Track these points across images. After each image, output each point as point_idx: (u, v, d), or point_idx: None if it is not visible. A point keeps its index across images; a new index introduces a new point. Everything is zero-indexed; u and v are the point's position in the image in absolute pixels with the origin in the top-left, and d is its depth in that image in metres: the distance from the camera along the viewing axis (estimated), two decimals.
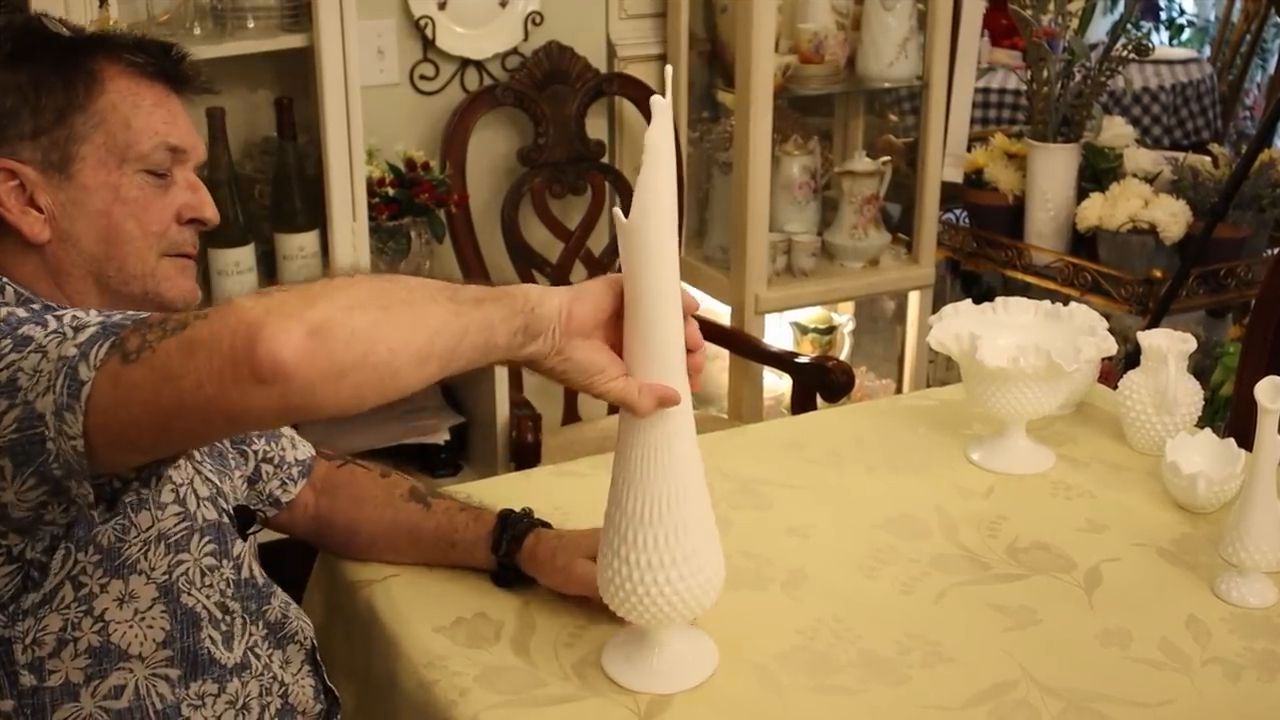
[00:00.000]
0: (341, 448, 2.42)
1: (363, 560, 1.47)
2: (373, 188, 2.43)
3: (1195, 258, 2.72)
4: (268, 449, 1.46)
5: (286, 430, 1.49)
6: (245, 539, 1.33)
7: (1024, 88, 3.11)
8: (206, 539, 1.26)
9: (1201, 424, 1.68)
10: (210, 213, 1.28)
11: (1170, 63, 4.26)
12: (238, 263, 2.34)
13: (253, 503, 1.43)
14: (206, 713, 1.23)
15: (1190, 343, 1.65)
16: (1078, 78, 2.93)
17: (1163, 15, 5.44)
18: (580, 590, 1.33)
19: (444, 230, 2.56)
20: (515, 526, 1.40)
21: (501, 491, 1.56)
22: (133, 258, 1.22)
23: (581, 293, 1.10)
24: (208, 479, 1.30)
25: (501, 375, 2.43)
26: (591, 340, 1.11)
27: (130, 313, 1.02)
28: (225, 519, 1.30)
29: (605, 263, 2.76)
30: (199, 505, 1.27)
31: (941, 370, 3.15)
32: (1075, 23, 3.00)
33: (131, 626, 1.18)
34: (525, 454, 2.32)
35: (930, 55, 2.86)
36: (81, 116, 1.19)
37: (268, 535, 1.43)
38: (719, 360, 3.04)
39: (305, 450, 1.50)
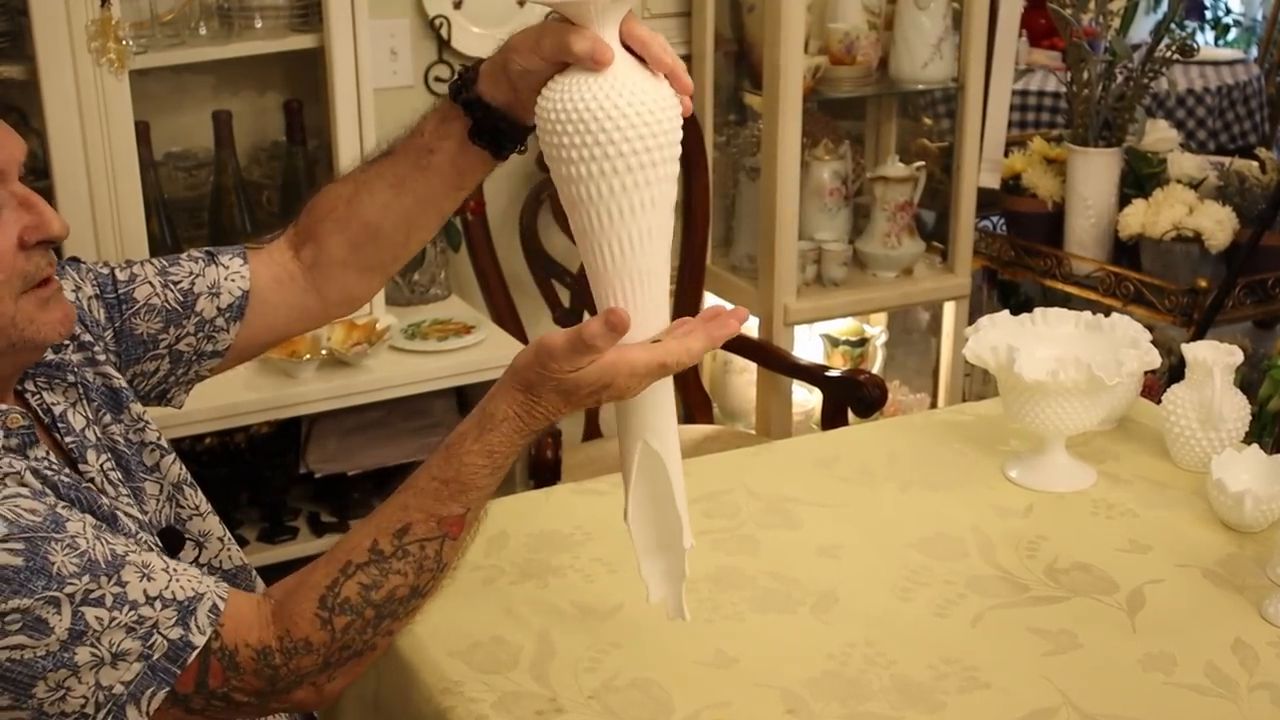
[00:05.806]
0: (357, 465, 2.42)
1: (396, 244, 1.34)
2: None
3: (1242, 267, 2.71)
4: (179, 331, 1.31)
5: (204, 284, 1.32)
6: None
7: (1063, 90, 3.08)
8: None
9: (1248, 440, 1.65)
10: (57, 228, 1.10)
11: (1216, 64, 4.24)
12: None
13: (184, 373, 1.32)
14: None
15: (1237, 355, 1.62)
16: (1119, 79, 2.91)
17: (1208, 15, 5.39)
18: (558, 39, 1.09)
19: (460, 238, 2.55)
20: (467, 73, 1.23)
21: (520, 510, 1.56)
22: None
23: None
24: None
25: None
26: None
27: (170, 651, 1.01)
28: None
29: None
30: None
31: (978, 384, 3.14)
32: (1117, 22, 2.98)
33: None
34: (544, 471, 2.27)
35: (966, 56, 2.84)
36: None
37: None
38: (746, 374, 3.02)
39: (236, 286, 1.32)
